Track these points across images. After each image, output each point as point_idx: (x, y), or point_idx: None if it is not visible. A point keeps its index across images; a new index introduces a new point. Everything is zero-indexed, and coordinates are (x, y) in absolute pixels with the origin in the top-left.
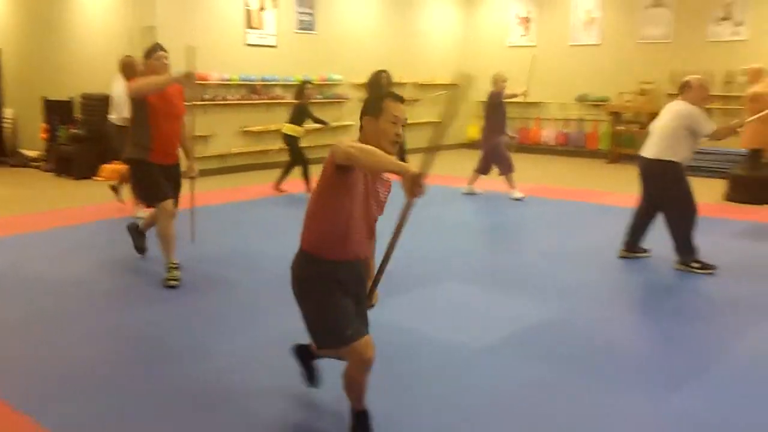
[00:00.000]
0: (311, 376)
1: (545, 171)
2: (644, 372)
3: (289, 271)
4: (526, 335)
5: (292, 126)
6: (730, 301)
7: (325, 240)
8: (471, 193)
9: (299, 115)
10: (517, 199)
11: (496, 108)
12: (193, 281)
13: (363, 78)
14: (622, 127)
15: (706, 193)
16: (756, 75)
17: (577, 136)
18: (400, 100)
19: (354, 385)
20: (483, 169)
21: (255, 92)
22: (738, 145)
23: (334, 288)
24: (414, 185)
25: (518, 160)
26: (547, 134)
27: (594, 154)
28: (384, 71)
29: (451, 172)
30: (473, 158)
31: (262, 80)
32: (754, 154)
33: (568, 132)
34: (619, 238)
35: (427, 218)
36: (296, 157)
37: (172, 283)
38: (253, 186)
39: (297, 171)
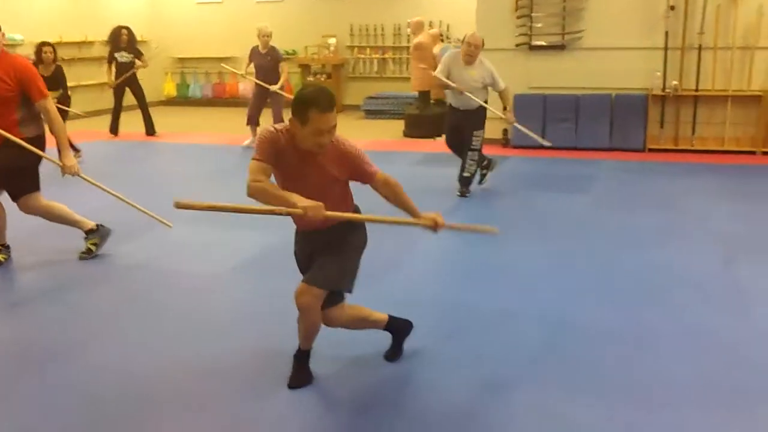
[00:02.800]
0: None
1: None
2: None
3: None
4: (263, 258)
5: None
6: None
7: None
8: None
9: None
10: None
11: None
12: None
13: (48, 37)
14: (312, 78)
15: (391, 130)
16: (418, 27)
17: None
18: (329, 109)
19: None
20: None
21: None
22: (410, 89)
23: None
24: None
25: (226, 113)
26: (245, 87)
27: (289, 104)
28: (125, 27)
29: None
30: (179, 115)
31: None
32: (424, 96)
33: None
34: None
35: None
36: None
37: None
38: None
39: None
